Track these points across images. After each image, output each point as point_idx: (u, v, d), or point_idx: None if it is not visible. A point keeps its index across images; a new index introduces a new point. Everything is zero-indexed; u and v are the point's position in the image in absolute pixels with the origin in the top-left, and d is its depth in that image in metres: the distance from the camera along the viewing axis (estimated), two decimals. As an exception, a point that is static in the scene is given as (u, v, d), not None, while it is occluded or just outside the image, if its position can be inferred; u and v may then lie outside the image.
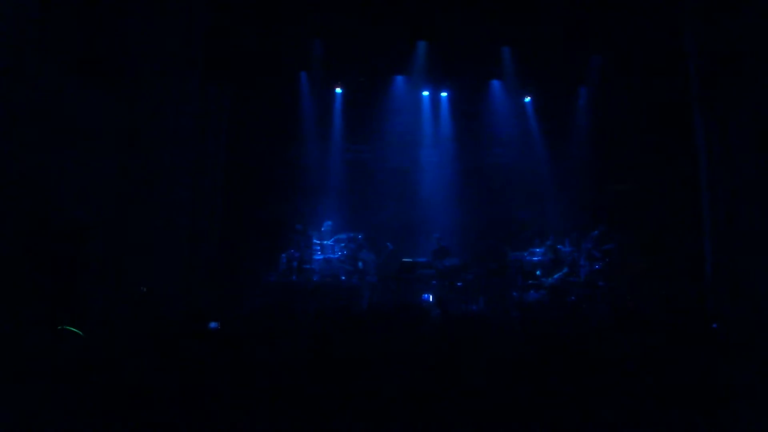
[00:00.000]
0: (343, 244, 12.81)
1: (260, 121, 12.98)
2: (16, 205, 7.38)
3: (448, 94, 14.44)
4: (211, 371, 4.15)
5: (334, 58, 13.11)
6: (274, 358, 4.40)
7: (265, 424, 3.76)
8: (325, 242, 12.81)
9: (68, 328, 4.28)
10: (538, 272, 12.18)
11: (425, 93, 14.43)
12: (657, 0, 10.98)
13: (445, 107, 14.48)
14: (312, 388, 4.03)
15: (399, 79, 14.05)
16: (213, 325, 5.42)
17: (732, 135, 9.91)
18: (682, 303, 10.09)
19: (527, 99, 14.35)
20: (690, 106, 10.59)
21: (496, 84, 14.13)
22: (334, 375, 4.20)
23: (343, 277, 12.39)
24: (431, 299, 11.67)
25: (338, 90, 14.10)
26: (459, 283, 12.18)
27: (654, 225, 12.10)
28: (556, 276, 12.02)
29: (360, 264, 12.31)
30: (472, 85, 14.10)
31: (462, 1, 11.57)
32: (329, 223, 13.06)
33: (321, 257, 12.62)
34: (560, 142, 14.03)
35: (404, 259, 12.25)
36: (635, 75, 12.41)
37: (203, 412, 3.77)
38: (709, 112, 10.22)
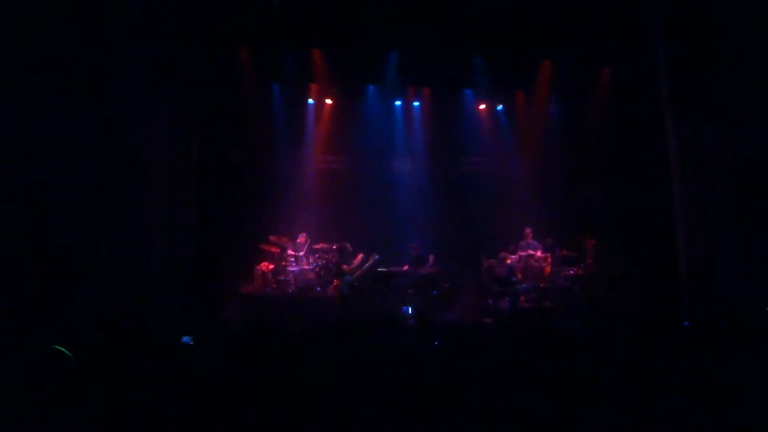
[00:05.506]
0: (317, 255, 12.74)
1: (233, 132, 12.84)
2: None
3: (420, 103, 14.47)
4: (185, 385, 4.07)
5: (307, 68, 13.11)
6: (248, 372, 4.32)
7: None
8: (300, 254, 12.72)
9: (59, 348, 4.15)
10: (512, 279, 12.19)
11: (398, 102, 14.44)
12: (626, 6, 11.10)
13: (417, 116, 14.51)
14: (288, 402, 3.96)
15: (371, 89, 14.07)
16: (186, 339, 5.31)
17: (703, 138, 10.07)
18: (657, 304, 10.18)
19: (499, 107, 14.44)
20: (661, 111, 10.72)
21: (468, 92, 14.21)
22: (311, 387, 4.13)
23: (318, 288, 12.31)
24: (410, 312, 11.57)
25: (311, 101, 14.05)
26: (435, 291, 12.13)
27: (627, 228, 12.22)
28: (530, 282, 12.06)
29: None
30: (445, 93, 14.16)
31: (433, 11, 11.59)
32: (303, 234, 12.97)
33: (296, 269, 12.53)
34: (533, 149, 14.12)
35: (379, 269, 12.17)
36: (607, 80, 12.55)
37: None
38: (680, 116, 10.36)
